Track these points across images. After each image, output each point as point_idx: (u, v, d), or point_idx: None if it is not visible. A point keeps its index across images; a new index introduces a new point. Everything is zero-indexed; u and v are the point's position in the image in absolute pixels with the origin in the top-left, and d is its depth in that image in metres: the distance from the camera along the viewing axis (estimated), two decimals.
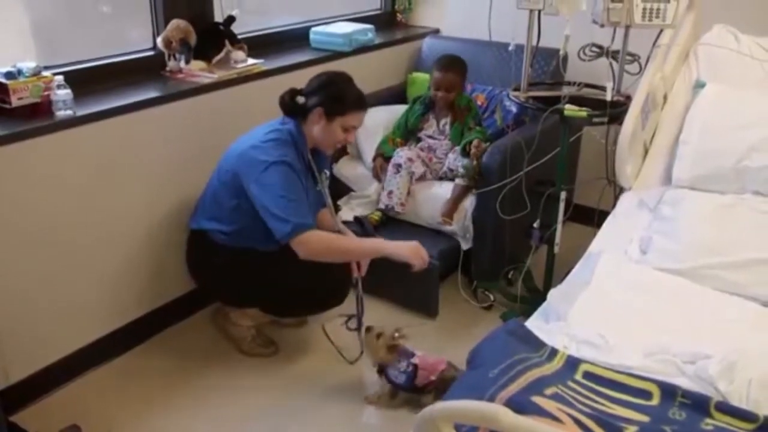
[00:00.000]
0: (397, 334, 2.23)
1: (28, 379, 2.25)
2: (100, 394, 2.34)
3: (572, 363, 1.49)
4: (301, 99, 2.32)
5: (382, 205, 2.89)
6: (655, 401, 1.39)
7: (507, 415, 1.02)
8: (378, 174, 2.97)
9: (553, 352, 1.53)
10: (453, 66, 2.96)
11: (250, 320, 2.54)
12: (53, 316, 2.28)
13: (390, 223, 2.91)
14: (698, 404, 1.36)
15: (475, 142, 2.79)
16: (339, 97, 2.31)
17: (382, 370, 2.26)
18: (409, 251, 2.25)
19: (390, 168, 2.89)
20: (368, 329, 2.26)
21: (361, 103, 2.37)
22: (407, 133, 3.07)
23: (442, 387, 2.12)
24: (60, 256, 2.25)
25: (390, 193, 2.86)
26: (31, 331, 2.23)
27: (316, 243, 2.20)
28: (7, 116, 2.09)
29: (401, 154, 2.89)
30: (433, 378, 2.18)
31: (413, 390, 2.21)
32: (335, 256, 2.29)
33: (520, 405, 1.26)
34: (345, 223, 2.70)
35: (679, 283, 1.83)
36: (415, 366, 2.19)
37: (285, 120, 2.35)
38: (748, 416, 1.32)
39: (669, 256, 1.92)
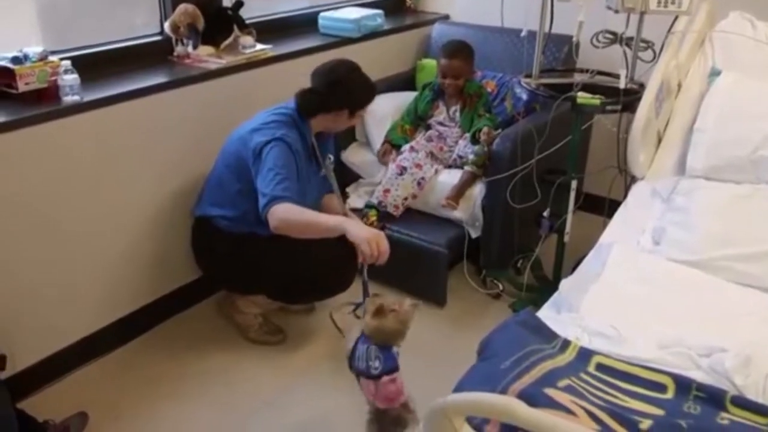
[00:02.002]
0: (397, 306, 1.87)
1: (35, 366, 2.24)
2: (107, 382, 2.33)
3: (585, 355, 1.47)
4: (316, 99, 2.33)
5: (374, 200, 2.82)
6: (669, 394, 1.37)
7: (523, 409, 1.01)
8: (384, 160, 2.94)
9: (566, 343, 1.51)
10: (458, 53, 2.92)
11: (257, 308, 2.53)
12: (59, 304, 2.27)
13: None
14: (713, 398, 1.34)
15: (485, 129, 2.76)
16: (362, 95, 2.39)
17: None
18: (366, 236, 2.06)
19: (393, 167, 2.83)
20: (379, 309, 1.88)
21: (374, 91, 2.44)
22: (417, 119, 3.04)
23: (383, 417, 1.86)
24: (65, 243, 2.24)
25: (386, 191, 2.81)
26: (37, 318, 2.22)
27: (282, 213, 2.11)
28: (13, 102, 2.07)
29: (409, 158, 2.82)
30: (388, 406, 1.86)
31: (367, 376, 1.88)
32: (299, 229, 2.17)
33: (533, 397, 1.24)
34: (354, 210, 2.68)
35: (693, 274, 1.80)
36: (379, 377, 1.84)
37: (290, 103, 2.36)
38: (764, 410, 1.30)
39: (683, 247, 1.89)
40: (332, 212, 2.46)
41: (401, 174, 2.80)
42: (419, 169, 2.80)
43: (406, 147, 2.88)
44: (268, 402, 2.26)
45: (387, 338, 1.88)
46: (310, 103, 2.32)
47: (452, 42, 2.99)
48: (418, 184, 2.80)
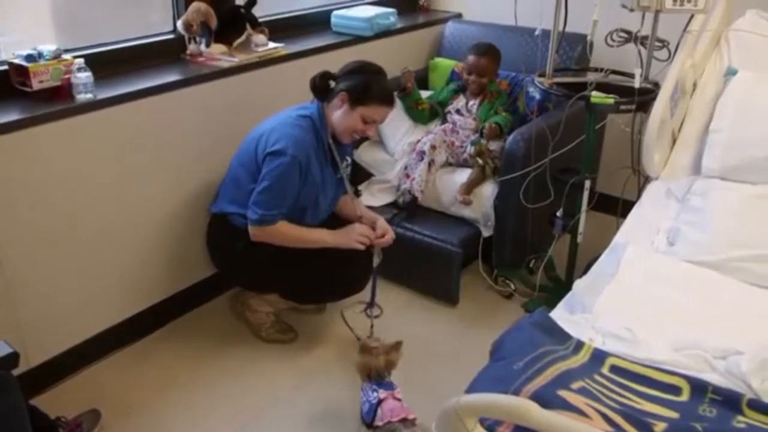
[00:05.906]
0: (377, 343, 2.06)
1: (48, 362, 2.25)
2: (119, 378, 2.34)
3: (598, 356, 1.46)
4: (331, 83, 2.32)
5: (404, 187, 2.86)
6: (684, 397, 1.36)
7: (536, 411, 1.00)
8: (405, 80, 3.02)
9: (579, 344, 1.50)
10: (488, 52, 2.98)
11: (270, 306, 2.53)
12: (73, 300, 2.28)
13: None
14: (729, 401, 1.33)
15: (492, 126, 2.84)
16: (366, 86, 2.29)
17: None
18: (345, 239, 2.30)
19: (414, 155, 2.88)
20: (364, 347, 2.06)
21: (387, 98, 2.35)
22: (437, 104, 3.10)
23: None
24: (79, 240, 2.24)
25: (412, 179, 2.84)
26: (51, 314, 2.23)
27: (266, 236, 2.26)
28: (27, 99, 2.08)
29: (426, 141, 2.87)
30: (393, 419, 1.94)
31: (369, 426, 1.99)
32: (285, 242, 2.30)
33: (546, 399, 1.23)
34: (370, 208, 2.67)
35: (709, 275, 1.79)
36: (380, 401, 1.97)
37: (311, 103, 2.36)
38: None
39: (698, 248, 1.87)
40: (347, 212, 2.50)
41: (421, 159, 2.85)
42: (434, 150, 2.86)
43: (422, 137, 2.93)
44: (279, 398, 2.26)
45: (377, 373, 2.03)
46: (323, 79, 2.31)
47: (483, 42, 3.06)
48: (429, 165, 2.84)
